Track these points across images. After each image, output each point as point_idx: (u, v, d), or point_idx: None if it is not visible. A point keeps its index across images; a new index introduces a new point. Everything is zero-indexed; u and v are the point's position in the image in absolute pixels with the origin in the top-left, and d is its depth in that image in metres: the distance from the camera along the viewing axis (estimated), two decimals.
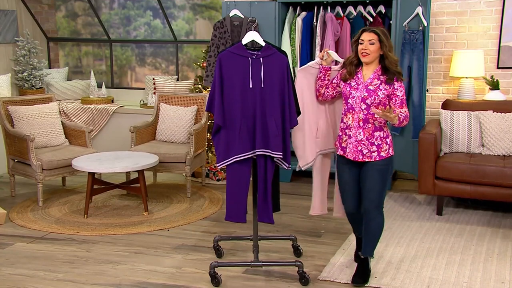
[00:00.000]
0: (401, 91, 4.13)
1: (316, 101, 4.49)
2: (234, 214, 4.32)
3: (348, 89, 4.18)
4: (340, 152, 4.28)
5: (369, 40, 4.08)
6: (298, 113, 4.29)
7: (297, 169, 4.55)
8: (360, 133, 4.14)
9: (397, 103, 4.12)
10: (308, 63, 4.55)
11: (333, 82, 4.35)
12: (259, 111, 4.14)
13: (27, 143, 6.10)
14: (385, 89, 4.11)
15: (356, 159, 4.18)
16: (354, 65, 4.21)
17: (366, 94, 4.11)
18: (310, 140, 4.48)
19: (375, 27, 4.26)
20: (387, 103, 4.14)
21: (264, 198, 4.28)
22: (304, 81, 4.44)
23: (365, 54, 4.10)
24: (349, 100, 4.17)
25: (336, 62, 4.54)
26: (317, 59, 4.44)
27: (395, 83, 4.13)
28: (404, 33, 6.22)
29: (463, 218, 5.68)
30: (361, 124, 4.13)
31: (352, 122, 4.16)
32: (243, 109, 4.14)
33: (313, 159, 4.51)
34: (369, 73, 4.17)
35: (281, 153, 4.17)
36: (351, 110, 4.17)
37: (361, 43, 4.12)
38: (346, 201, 4.37)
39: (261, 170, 4.22)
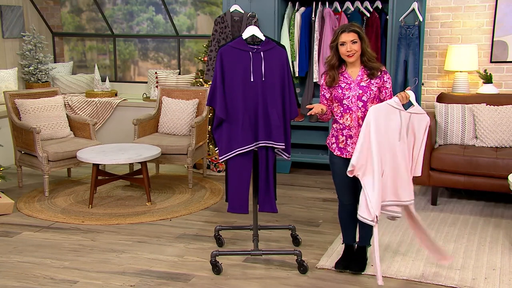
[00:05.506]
0: (389, 83, 4.13)
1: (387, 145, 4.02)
2: (237, 205, 4.30)
3: (340, 91, 4.11)
4: (337, 153, 4.19)
5: (351, 40, 4.02)
6: (298, 105, 4.30)
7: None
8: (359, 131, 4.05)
9: (387, 95, 4.12)
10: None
11: (327, 97, 4.24)
12: (261, 104, 4.16)
13: (33, 135, 6.15)
14: (376, 82, 4.11)
15: None
16: (335, 68, 4.13)
17: (360, 91, 4.07)
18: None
19: (350, 24, 4.14)
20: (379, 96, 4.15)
21: (266, 188, 4.30)
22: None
23: (351, 55, 4.04)
24: (344, 101, 4.10)
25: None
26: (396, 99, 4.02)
27: (384, 75, 4.12)
28: (400, 28, 6.24)
29: (457, 208, 5.74)
30: (360, 122, 4.06)
31: (351, 122, 4.10)
32: (245, 103, 4.14)
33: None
34: (356, 69, 4.13)
35: (283, 144, 4.19)
36: (348, 111, 4.10)
37: (343, 45, 4.04)
38: (343, 194, 4.28)
39: (263, 161, 4.25)
